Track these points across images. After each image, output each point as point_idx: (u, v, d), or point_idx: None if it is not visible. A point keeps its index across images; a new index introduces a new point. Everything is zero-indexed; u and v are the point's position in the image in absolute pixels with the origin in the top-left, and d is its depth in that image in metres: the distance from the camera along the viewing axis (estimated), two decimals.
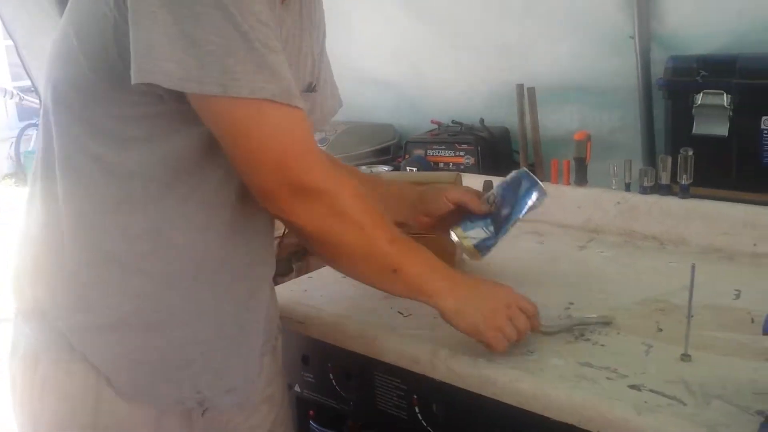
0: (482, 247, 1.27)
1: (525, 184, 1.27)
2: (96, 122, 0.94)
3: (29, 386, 1.01)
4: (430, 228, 1.32)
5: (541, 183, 1.28)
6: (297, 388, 1.41)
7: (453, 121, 2.39)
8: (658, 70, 2.01)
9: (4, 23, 2.52)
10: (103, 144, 0.94)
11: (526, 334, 1.09)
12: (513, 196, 1.27)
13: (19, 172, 7.20)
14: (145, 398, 1.02)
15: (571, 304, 1.28)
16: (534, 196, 1.27)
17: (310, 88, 1.11)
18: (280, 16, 0.97)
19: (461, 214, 1.28)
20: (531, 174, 1.29)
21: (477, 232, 1.26)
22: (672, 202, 1.63)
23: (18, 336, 1.04)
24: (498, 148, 2.28)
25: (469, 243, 1.26)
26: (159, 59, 0.83)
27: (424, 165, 2.28)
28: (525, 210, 1.27)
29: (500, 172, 2.21)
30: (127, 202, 0.96)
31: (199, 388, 1.06)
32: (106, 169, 0.95)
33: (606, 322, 1.20)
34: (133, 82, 0.85)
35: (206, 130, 0.92)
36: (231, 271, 1.06)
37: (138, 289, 0.99)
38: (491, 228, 1.26)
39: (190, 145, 0.95)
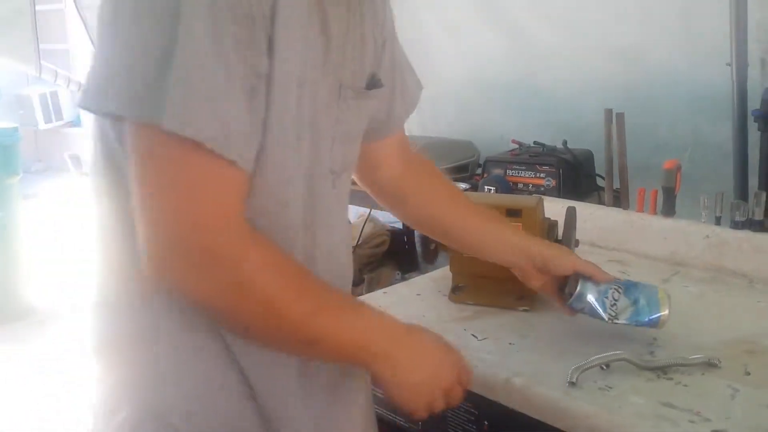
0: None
1: (652, 307, 1.20)
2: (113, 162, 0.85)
3: None
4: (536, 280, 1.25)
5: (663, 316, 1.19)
6: None
7: (535, 142, 2.36)
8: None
9: (85, 25, 2.63)
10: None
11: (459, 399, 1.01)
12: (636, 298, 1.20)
13: None
14: None
15: (655, 339, 1.24)
16: (649, 321, 1.20)
17: (373, 82, 0.98)
18: (323, 10, 0.85)
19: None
20: (664, 303, 1.20)
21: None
22: (764, 239, 1.56)
23: (117, 393, 0.94)
24: (580, 172, 2.24)
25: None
26: (109, 82, 0.74)
27: (503, 185, 2.26)
28: (633, 322, 1.20)
29: (581, 196, 2.18)
30: None
31: None
32: None
33: (712, 364, 1.14)
34: (76, 105, 0.79)
35: None
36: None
37: (221, 353, 0.89)
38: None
39: None
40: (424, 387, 0.95)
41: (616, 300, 1.20)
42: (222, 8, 0.73)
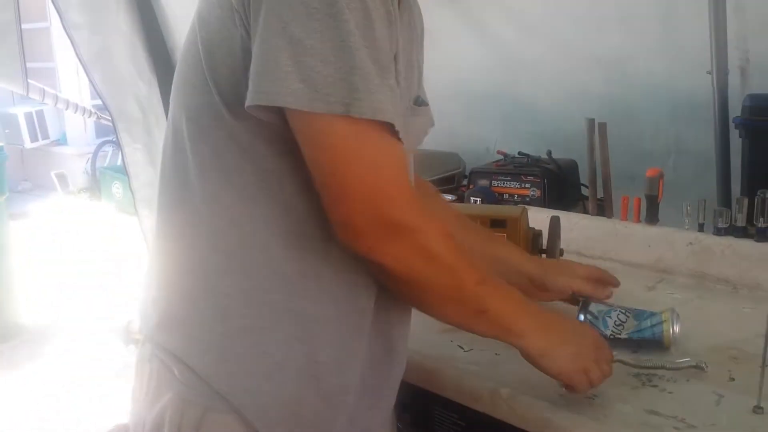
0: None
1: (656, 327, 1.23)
2: (236, 157, 0.91)
3: None
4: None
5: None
6: None
7: (519, 153, 2.37)
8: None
9: (73, 44, 2.63)
10: (251, 181, 0.91)
11: (607, 378, 1.05)
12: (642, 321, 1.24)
13: (93, 186, 7.45)
14: None
15: (640, 347, 1.24)
16: (652, 336, 1.23)
17: (418, 102, 1.06)
18: (396, 30, 0.91)
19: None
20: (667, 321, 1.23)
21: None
22: (747, 245, 1.58)
23: (161, 378, 0.97)
24: (565, 182, 2.25)
25: None
26: (284, 79, 0.80)
27: (489, 196, 2.26)
28: (639, 335, 1.24)
29: (566, 206, 2.19)
30: (281, 238, 0.92)
31: None
32: (256, 205, 0.92)
33: (699, 367, 1.14)
34: (249, 104, 0.82)
35: None
36: (385, 315, 1.01)
37: (289, 332, 0.93)
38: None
39: None
40: (576, 357, 1.00)
41: (623, 321, 1.24)
42: (375, 7, 0.82)
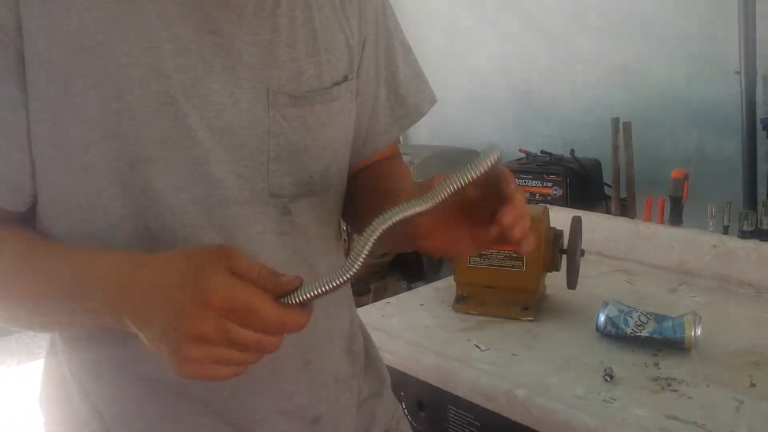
0: None
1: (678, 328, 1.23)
2: None
3: None
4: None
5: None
6: None
7: (542, 151, 2.35)
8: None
9: None
10: None
11: (267, 344, 0.61)
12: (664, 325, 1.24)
13: None
14: None
15: (659, 351, 1.23)
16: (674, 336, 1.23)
17: (346, 79, 0.86)
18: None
19: None
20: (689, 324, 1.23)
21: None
22: None
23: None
24: (588, 181, 2.22)
25: None
26: None
27: None
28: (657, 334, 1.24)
29: (589, 205, 2.16)
30: None
31: None
32: None
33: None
34: None
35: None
36: None
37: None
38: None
39: None
40: (166, 346, 0.61)
41: (644, 322, 1.24)
42: None
